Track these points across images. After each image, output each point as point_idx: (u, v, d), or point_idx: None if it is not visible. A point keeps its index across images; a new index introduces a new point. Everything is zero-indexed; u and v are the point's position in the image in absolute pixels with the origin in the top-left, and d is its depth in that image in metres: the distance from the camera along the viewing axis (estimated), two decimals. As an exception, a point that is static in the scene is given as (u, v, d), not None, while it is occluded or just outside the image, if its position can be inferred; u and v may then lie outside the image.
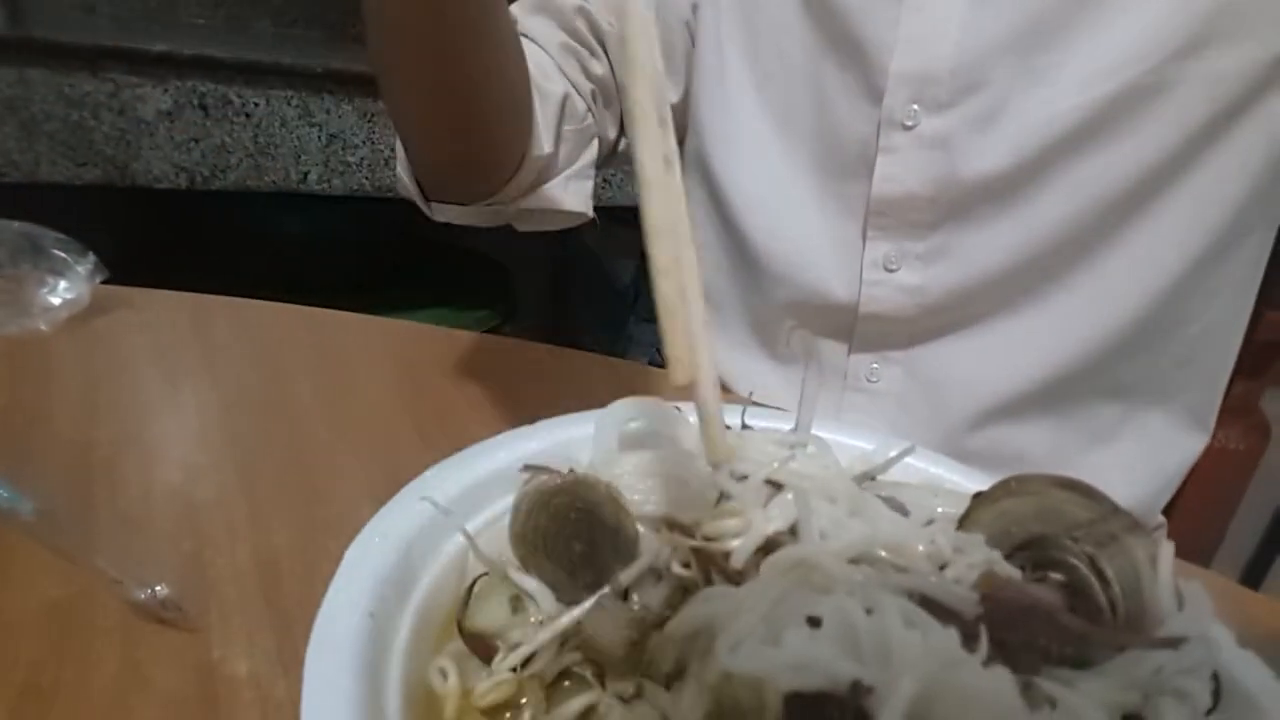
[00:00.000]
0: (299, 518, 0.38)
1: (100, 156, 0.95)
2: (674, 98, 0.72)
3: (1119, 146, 0.54)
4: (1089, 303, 0.58)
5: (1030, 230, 0.57)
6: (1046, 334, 0.60)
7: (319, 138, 1.06)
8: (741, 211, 0.66)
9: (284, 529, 0.37)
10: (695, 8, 0.69)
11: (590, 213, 0.63)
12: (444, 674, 0.22)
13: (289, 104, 1.03)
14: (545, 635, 0.22)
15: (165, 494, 0.39)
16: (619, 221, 0.87)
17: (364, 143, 1.09)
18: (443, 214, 0.58)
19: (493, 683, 0.22)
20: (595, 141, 0.65)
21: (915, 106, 0.57)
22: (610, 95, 0.66)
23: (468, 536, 0.23)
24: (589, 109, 0.64)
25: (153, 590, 0.31)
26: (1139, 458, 0.64)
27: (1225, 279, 0.60)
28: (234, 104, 1.00)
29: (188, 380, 0.50)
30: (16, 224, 0.52)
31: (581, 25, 0.64)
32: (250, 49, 1.06)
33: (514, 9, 0.62)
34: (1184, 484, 0.73)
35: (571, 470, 0.27)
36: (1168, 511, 0.74)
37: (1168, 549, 0.24)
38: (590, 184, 0.64)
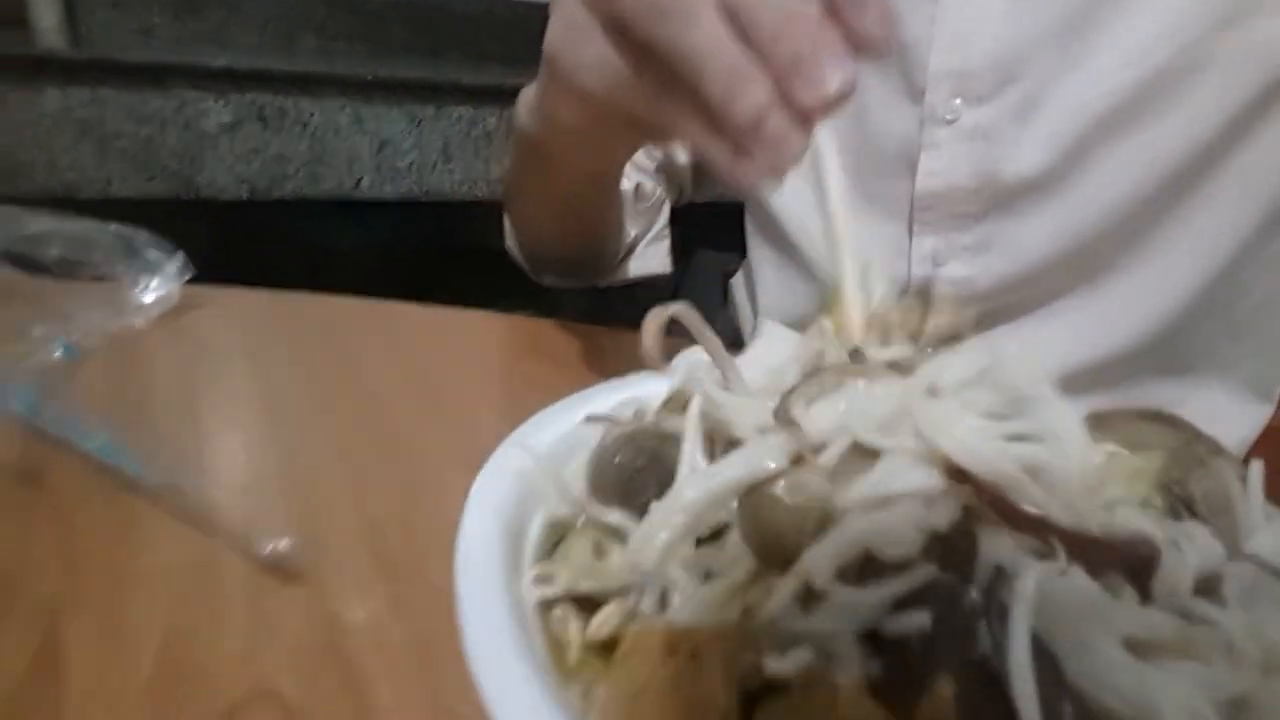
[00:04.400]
0: (395, 486, 0.40)
1: (167, 171, 0.99)
2: None
3: (1162, 126, 0.53)
4: (1142, 283, 0.58)
5: (1077, 215, 0.56)
6: (1099, 316, 0.59)
7: (370, 144, 1.10)
8: (789, 227, 0.68)
9: (382, 496, 0.39)
10: None
11: (670, 268, 0.74)
12: (564, 620, 0.23)
13: (341, 112, 1.07)
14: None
15: (269, 468, 0.42)
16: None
17: (413, 148, 1.13)
18: (548, 281, 0.72)
19: (603, 616, 0.23)
20: (665, 205, 0.74)
21: (957, 101, 0.57)
22: (669, 171, 0.76)
23: (555, 477, 0.25)
24: (655, 184, 0.73)
25: (275, 546, 0.33)
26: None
27: None
28: (290, 114, 1.04)
29: (276, 368, 0.52)
30: (112, 226, 0.55)
31: None
32: (300, 58, 1.10)
33: None
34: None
35: (636, 418, 0.28)
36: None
37: (1257, 467, 0.25)
38: (667, 243, 0.74)
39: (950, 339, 0.25)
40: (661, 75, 0.31)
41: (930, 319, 0.25)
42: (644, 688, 0.17)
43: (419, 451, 0.44)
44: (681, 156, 0.75)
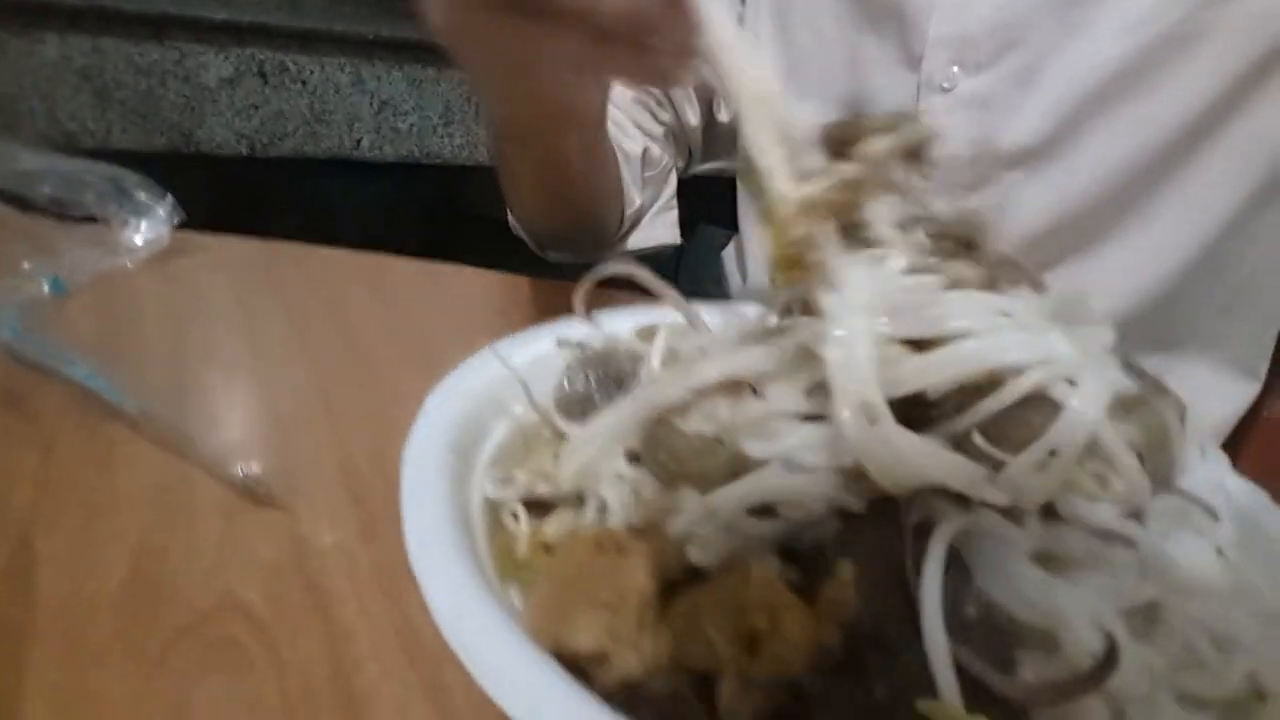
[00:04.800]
0: (370, 424, 0.41)
1: (167, 124, 0.99)
2: (726, 118, 0.75)
3: (1158, 96, 0.53)
4: (1133, 253, 0.58)
5: (1072, 184, 0.57)
6: (1091, 285, 0.59)
7: (371, 104, 1.10)
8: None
9: (358, 433, 0.40)
10: (741, 18, 0.72)
11: (678, 239, 0.73)
12: (515, 517, 0.24)
13: (342, 71, 1.06)
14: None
15: (249, 403, 0.42)
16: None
17: (414, 109, 1.12)
18: (555, 257, 0.70)
19: (555, 521, 0.24)
20: (673, 175, 0.73)
21: (955, 69, 0.57)
22: (678, 136, 0.75)
23: (523, 385, 0.26)
24: (663, 150, 0.72)
25: (247, 470, 0.34)
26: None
27: (1271, 224, 0.60)
28: (290, 71, 1.03)
29: (262, 312, 0.53)
30: (103, 166, 0.55)
31: None
32: (304, 17, 1.09)
33: None
34: (1240, 455, 0.72)
35: (606, 344, 0.29)
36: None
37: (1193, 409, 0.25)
38: (674, 214, 0.73)
39: (911, 158, 0.24)
40: (529, 16, 0.31)
41: (866, 146, 0.23)
42: (574, 579, 0.18)
43: (397, 393, 0.44)
44: (692, 118, 0.75)
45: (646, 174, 0.71)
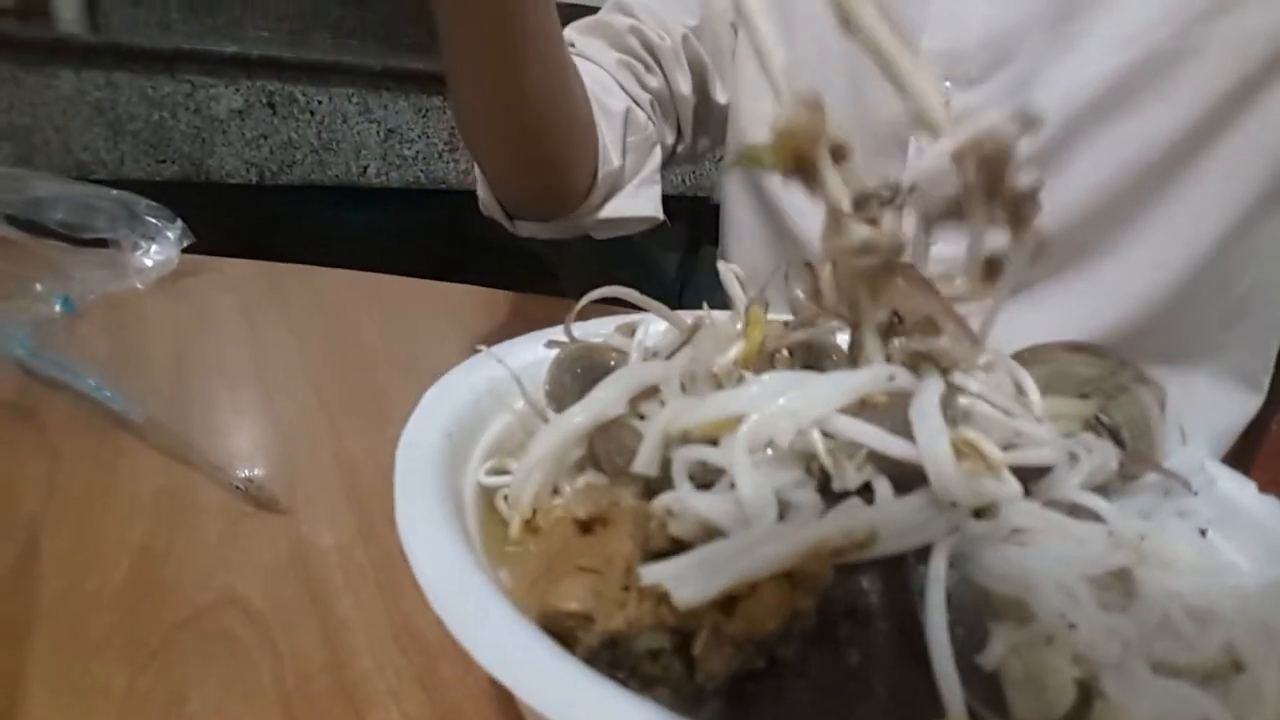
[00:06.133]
0: (371, 432, 0.41)
1: (179, 154, 1.01)
2: (724, 99, 0.74)
3: (1149, 111, 0.54)
4: (1130, 268, 0.58)
5: (1065, 198, 0.57)
6: (1088, 300, 0.59)
7: (377, 133, 1.12)
8: (779, 197, 0.68)
9: (358, 439, 0.41)
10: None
11: (661, 215, 0.69)
12: (507, 500, 0.24)
13: (349, 101, 1.09)
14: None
15: (253, 411, 0.43)
16: (665, 214, 0.89)
17: (419, 136, 1.15)
18: (526, 230, 0.63)
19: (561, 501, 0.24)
20: (658, 148, 0.70)
21: (947, 84, 0.58)
22: (666, 105, 0.71)
23: (515, 377, 0.26)
24: (649, 119, 0.69)
25: (249, 474, 0.34)
26: (1185, 418, 0.64)
27: (1270, 237, 0.60)
28: (299, 102, 1.06)
29: (266, 329, 0.54)
30: (114, 192, 0.57)
31: (635, 43, 0.68)
32: (313, 50, 1.12)
33: (569, 31, 0.68)
34: (1250, 468, 0.72)
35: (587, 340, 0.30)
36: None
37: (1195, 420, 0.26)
38: (658, 189, 0.69)
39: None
40: None
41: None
42: (560, 551, 0.18)
43: (396, 404, 0.44)
44: (684, 86, 0.71)
45: (630, 138, 0.67)
